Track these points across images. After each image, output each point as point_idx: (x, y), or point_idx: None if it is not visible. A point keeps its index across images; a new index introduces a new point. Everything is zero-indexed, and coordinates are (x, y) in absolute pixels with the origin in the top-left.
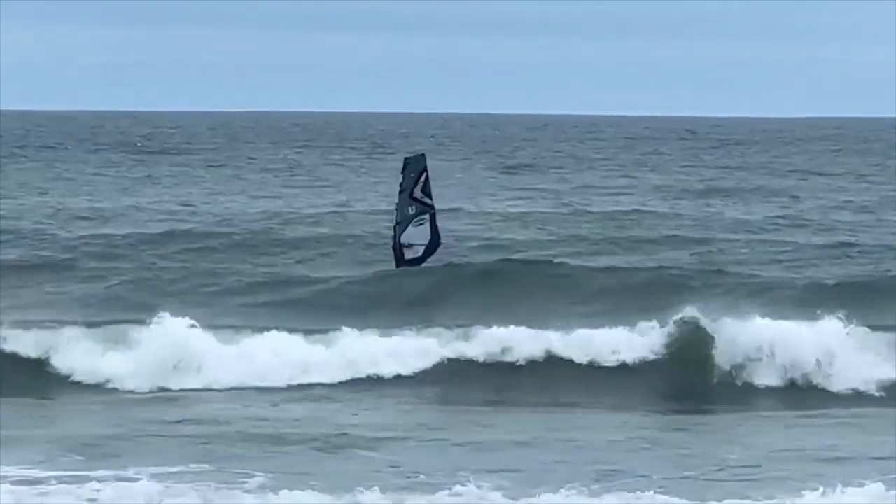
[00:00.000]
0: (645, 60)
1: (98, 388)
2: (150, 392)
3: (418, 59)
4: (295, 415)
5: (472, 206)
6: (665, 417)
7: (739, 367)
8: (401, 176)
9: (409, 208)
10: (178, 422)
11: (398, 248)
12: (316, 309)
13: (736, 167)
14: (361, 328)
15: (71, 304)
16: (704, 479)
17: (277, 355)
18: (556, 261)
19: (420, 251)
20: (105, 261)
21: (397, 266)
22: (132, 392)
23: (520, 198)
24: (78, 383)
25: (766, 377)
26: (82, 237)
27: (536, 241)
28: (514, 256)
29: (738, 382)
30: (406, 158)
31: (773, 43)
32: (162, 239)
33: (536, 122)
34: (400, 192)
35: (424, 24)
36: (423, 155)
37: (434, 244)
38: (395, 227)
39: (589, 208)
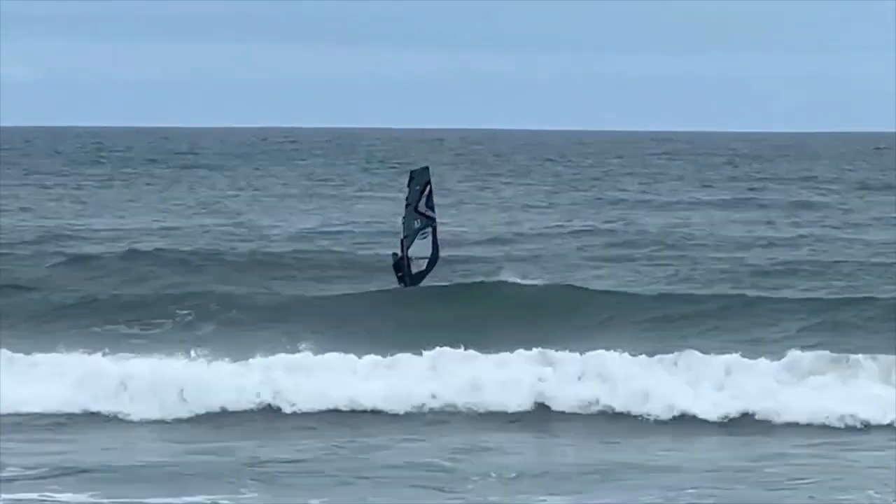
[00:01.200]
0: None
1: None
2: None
3: (434, 75)
4: (353, 442)
5: None
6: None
7: None
8: (406, 189)
9: (415, 222)
10: (237, 446)
11: (406, 264)
12: (368, 334)
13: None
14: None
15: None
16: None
17: (338, 380)
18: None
19: (423, 264)
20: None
21: (403, 285)
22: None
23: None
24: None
25: None
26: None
27: None
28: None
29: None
30: (411, 172)
31: (776, 55)
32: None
33: (572, 138)
34: (406, 206)
35: (439, 40)
36: (426, 168)
37: (434, 258)
38: (402, 241)
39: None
